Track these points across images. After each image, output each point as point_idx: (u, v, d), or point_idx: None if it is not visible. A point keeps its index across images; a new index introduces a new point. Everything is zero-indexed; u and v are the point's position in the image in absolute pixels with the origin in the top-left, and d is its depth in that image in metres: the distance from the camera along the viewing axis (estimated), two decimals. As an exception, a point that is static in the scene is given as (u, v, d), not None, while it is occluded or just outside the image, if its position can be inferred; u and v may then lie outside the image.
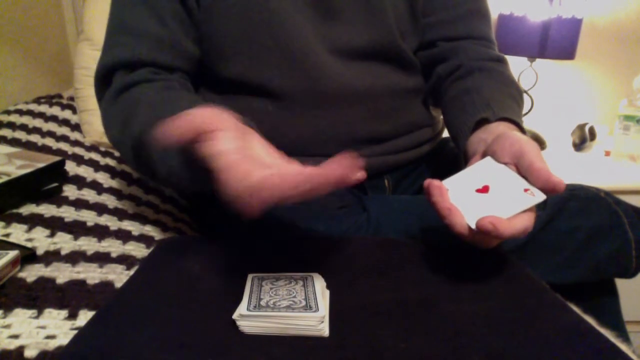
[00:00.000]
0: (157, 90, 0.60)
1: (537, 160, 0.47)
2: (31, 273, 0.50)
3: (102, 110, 0.64)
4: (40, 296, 0.47)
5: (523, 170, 0.48)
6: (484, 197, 0.48)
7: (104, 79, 0.63)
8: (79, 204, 0.70)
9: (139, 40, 0.62)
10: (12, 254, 0.49)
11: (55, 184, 0.72)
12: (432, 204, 0.48)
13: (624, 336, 0.63)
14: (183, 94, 0.61)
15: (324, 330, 0.38)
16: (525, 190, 0.46)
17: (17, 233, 0.59)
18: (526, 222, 0.45)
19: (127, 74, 0.61)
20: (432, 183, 0.48)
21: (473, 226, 0.44)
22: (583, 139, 1.47)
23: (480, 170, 0.51)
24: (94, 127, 1.00)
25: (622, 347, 0.40)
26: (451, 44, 0.74)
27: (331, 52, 0.67)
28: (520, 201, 0.45)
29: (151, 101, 0.57)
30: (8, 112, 0.98)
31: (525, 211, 0.45)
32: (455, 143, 0.66)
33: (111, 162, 0.91)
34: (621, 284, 0.67)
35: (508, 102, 0.63)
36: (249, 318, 0.38)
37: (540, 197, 0.45)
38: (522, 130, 0.58)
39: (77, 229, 0.62)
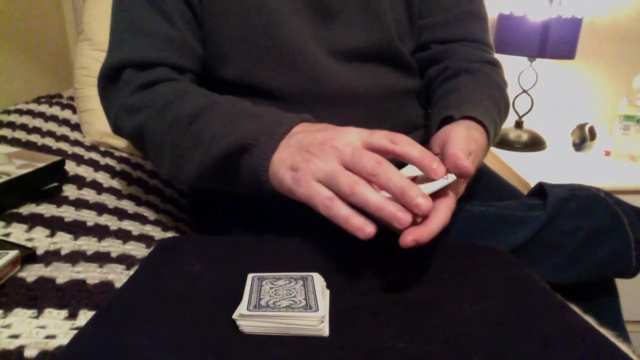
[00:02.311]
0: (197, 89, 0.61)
1: (452, 147, 0.50)
2: (31, 273, 0.50)
3: (118, 103, 0.63)
4: (40, 296, 0.47)
5: (445, 157, 0.50)
6: None
7: (111, 76, 0.63)
8: (79, 203, 0.70)
9: (149, 40, 0.62)
10: (12, 253, 0.49)
11: (55, 184, 0.72)
12: None
13: (624, 336, 0.63)
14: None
15: (324, 330, 0.38)
16: (445, 175, 0.48)
17: (17, 233, 0.59)
18: (442, 218, 0.46)
19: (139, 72, 0.61)
20: None
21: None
22: (583, 139, 1.47)
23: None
24: (94, 127, 1.00)
25: (622, 347, 0.39)
26: (444, 46, 0.75)
27: (329, 54, 0.67)
28: (434, 184, 0.47)
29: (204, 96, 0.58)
30: (8, 112, 0.98)
31: (441, 200, 0.47)
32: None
33: (111, 162, 0.91)
34: (621, 284, 0.67)
35: (483, 103, 0.64)
36: (249, 318, 0.38)
37: (451, 178, 0.47)
38: (486, 129, 0.59)
39: (77, 228, 0.62)
